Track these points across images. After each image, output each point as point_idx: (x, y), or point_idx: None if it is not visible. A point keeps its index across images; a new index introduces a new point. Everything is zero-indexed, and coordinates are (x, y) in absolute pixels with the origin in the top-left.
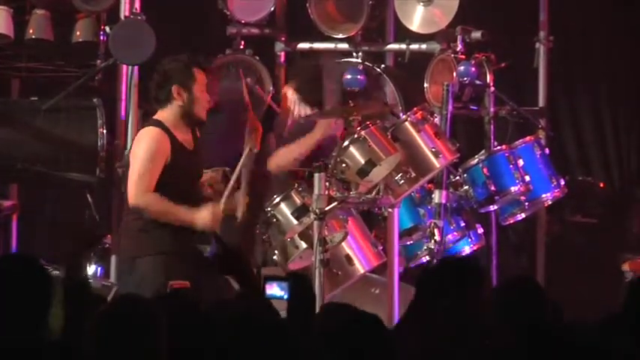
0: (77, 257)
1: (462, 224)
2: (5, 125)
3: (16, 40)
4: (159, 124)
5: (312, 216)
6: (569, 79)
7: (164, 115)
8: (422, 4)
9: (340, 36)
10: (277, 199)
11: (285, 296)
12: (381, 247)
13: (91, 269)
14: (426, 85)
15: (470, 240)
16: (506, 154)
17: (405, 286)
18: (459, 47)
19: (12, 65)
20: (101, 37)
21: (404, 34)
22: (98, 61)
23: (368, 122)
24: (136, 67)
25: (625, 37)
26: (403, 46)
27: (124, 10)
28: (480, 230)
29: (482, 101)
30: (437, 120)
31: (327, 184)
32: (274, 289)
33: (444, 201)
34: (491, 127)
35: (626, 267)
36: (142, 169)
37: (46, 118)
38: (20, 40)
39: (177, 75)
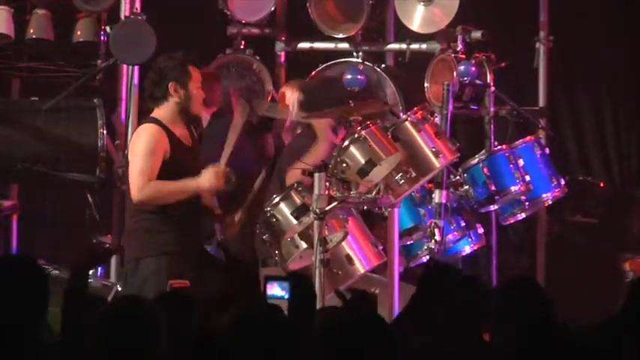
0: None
1: (463, 224)
2: (5, 125)
3: (17, 40)
4: (156, 121)
5: (312, 216)
6: (570, 79)
7: (161, 112)
8: (422, 3)
9: (340, 36)
10: (277, 199)
11: (286, 296)
12: (382, 247)
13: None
14: (426, 84)
15: (470, 240)
16: (507, 154)
17: (405, 285)
18: (460, 47)
19: (12, 65)
20: (102, 37)
21: (404, 33)
22: (99, 61)
23: (368, 122)
24: (136, 67)
25: (625, 37)
26: (403, 46)
27: (125, 10)
28: (481, 230)
29: (483, 101)
30: (437, 120)
31: (327, 183)
32: (275, 289)
33: (444, 201)
34: (492, 126)
35: (626, 267)
36: (141, 165)
37: (47, 118)
38: (21, 40)
39: (174, 72)
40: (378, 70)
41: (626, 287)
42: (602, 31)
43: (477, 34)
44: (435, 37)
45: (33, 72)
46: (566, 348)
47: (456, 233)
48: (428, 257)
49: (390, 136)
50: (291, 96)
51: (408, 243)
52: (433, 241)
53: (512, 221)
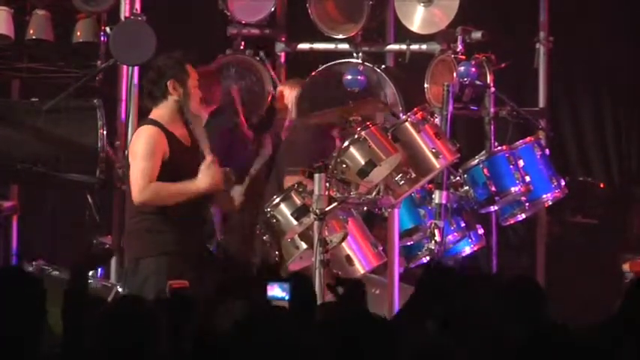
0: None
1: (463, 225)
2: (5, 126)
3: (17, 41)
4: (155, 122)
5: (312, 216)
6: (570, 79)
7: (159, 112)
8: (422, 4)
9: (340, 36)
10: (277, 200)
11: (287, 297)
12: (382, 248)
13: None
14: (426, 85)
15: (470, 240)
16: (507, 155)
17: (405, 286)
18: (460, 48)
19: (12, 66)
20: (101, 38)
21: (404, 34)
22: (98, 62)
23: (368, 122)
24: (136, 68)
25: (625, 37)
26: (403, 47)
27: (125, 11)
28: (481, 231)
29: (483, 102)
30: (437, 120)
31: (328, 184)
32: (275, 291)
33: (444, 201)
34: (492, 127)
35: (626, 267)
36: (142, 166)
37: (47, 118)
38: (21, 41)
39: (172, 70)
40: (378, 70)
41: (626, 287)
42: (602, 31)
43: (477, 35)
44: (434, 38)
45: (33, 73)
46: (565, 348)
47: (456, 234)
48: (428, 258)
49: (390, 137)
50: (290, 95)
51: (408, 244)
52: (433, 241)
53: (512, 222)
